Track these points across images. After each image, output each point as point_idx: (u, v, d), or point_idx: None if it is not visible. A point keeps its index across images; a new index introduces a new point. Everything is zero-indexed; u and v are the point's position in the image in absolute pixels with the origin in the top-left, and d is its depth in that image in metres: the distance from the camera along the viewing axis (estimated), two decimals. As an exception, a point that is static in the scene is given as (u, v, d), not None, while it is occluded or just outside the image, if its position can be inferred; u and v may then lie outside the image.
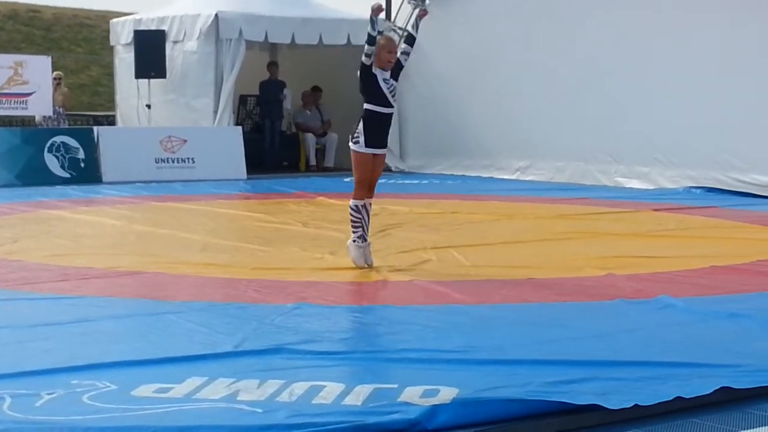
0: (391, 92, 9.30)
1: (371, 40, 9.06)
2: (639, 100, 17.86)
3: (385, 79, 9.27)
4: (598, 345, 6.47)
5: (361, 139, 9.34)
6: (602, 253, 10.35)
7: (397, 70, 9.36)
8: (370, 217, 9.65)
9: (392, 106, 9.39)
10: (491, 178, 19.82)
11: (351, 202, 9.52)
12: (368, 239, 9.58)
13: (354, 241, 9.46)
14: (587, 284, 8.70)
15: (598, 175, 18.51)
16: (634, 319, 7.33)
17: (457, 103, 20.97)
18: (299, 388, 5.40)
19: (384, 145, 9.52)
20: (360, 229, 9.41)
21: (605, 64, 18.42)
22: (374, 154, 9.45)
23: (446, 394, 5.24)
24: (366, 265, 9.38)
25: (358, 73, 9.29)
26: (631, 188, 17.60)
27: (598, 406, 5.11)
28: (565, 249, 10.81)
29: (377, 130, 9.35)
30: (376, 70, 9.22)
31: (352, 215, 9.45)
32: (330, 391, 5.36)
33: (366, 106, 9.33)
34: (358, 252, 9.41)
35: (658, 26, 17.78)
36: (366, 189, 9.47)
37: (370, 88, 9.26)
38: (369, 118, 9.33)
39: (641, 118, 17.80)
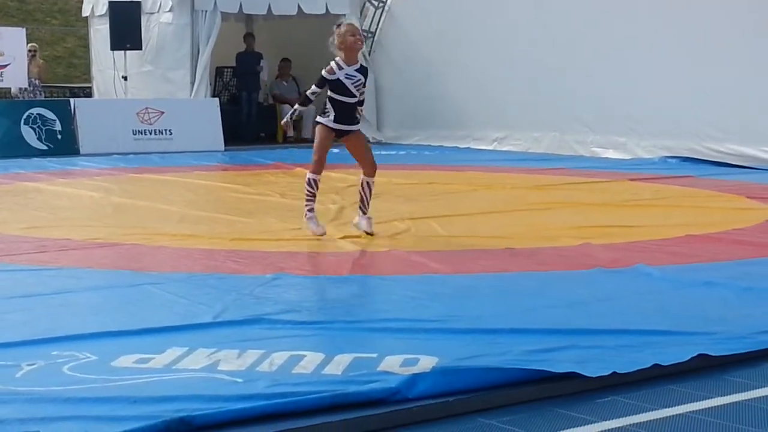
0: (356, 86, 9.41)
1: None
2: (615, 71, 17.90)
3: (348, 75, 9.38)
4: (576, 313, 6.51)
5: (332, 115, 9.46)
6: (579, 223, 10.40)
7: (366, 70, 9.59)
8: (372, 193, 9.78)
9: (356, 96, 9.49)
10: (468, 148, 19.85)
11: (307, 175, 9.65)
12: (367, 212, 9.69)
13: (310, 214, 9.58)
14: (564, 254, 8.74)
15: (575, 146, 18.56)
16: (610, 287, 7.37)
17: (434, 74, 20.97)
18: (279, 357, 5.42)
19: (353, 123, 9.60)
20: (311, 203, 9.56)
21: (582, 34, 18.44)
22: (344, 132, 9.59)
23: (426, 362, 5.27)
24: (324, 232, 9.52)
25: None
26: (607, 158, 17.66)
27: (576, 374, 5.15)
28: (542, 219, 10.85)
29: (343, 112, 9.48)
30: (337, 74, 9.34)
31: (306, 188, 9.60)
32: (310, 360, 5.38)
33: (329, 94, 9.47)
34: (312, 223, 9.55)
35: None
36: (322, 163, 9.58)
37: (336, 89, 9.40)
38: (333, 102, 9.48)
39: (617, 89, 17.84)
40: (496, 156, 18.42)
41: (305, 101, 9.65)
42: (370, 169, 9.73)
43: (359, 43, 9.43)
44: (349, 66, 9.38)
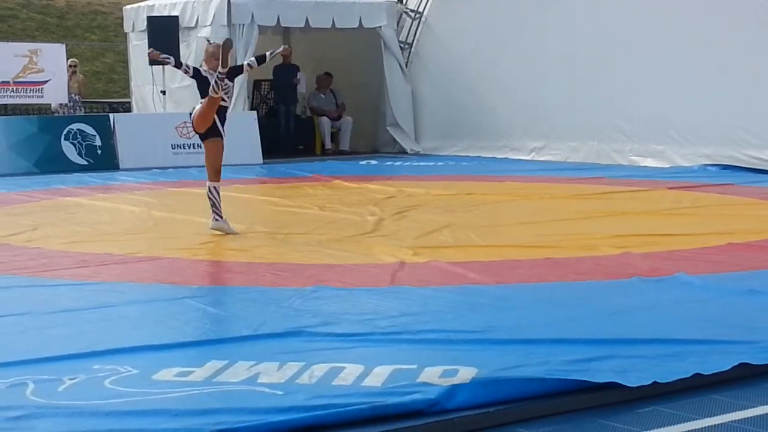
0: (223, 91, 10.36)
1: (261, 61, 10.94)
2: (653, 79, 17.81)
3: (217, 79, 10.27)
4: (616, 323, 6.49)
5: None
6: (618, 232, 10.35)
7: (235, 73, 10.71)
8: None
9: (224, 101, 10.54)
10: (506, 159, 19.80)
11: (207, 184, 10.69)
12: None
13: (215, 219, 10.59)
14: (604, 263, 8.71)
15: (613, 154, 18.47)
16: (651, 297, 7.34)
17: (471, 84, 20.94)
18: (319, 370, 5.44)
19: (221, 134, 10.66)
20: (216, 207, 10.61)
21: (619, 42, 18.36)
22: (216, 141, 10.64)
23: (465, 373, 5.27)
24: (234, 231, 10.55)
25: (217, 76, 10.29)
26: (646, 167, 17.56)
27: (617, 383, 5.13)
28: (581, 228, 10.81)
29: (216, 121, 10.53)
30: (206, 73, 10.45)
31: (208, 197, 10.68)
32: (349, 372, 5.40)
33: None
34: (221, 223, 10.58)
35: (670, 4, 17.72)
36: (218, 173, 10.73)
37: (201, 90, 10.48)
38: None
39: (656, 97, 17.75)
40: (534, 166, 18.36)
41: (179, 64, 10.77)
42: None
43: (215, 67, 10.33)
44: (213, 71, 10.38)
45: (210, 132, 10.64)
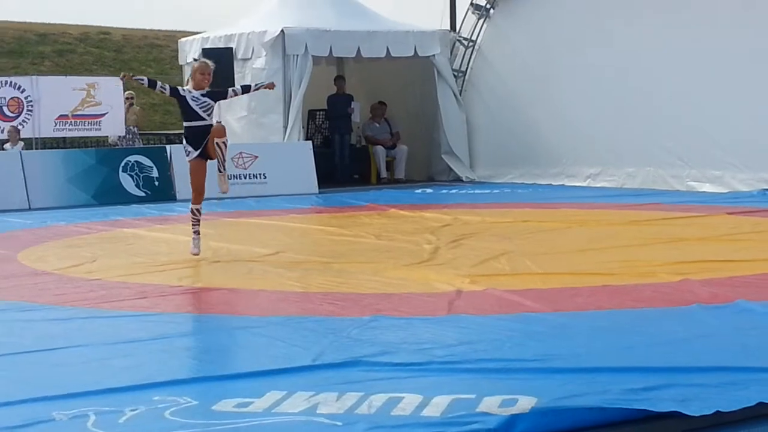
0: (203, 109, 10.75)
1: (245, 91, 11.66)
2: (710, 103, 17.69)
3: (194, 98, 10.72)
4: (677, 351, 6.43)
5: (190, 149, 10.90)
6: (677, 258, 10.26)
7: (218, 96, 11.14)
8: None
9: (205, 119, 10.83)
10: (562, 185, 19.72)
11: (191, 206, 11.27)
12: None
13: (194, 237, 11.13)
14: (663, 290, 8.63)
15: (670, 180, 18.34)
16: (711, 324, 7.26)
17: (525, 111, 20.91)
18: (378, 400, 5.43)
19: (205, 156, 11.00)
20: (197, 227, 11.17)
21: (674, 66, 18.27)
22: (201, 161, 11.00)
23: (525, 403, 5.24)
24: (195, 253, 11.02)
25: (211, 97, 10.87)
26: (704, 192, 17.42)
27: (679, 413, 5.08)
28: (639, 255, 10.72)
29: (196, 141, 10.82)
30: (184, 92, 10.79)
31: (191, 217, 11.23)
32: (408, 402, 5.38)
33: (184, 123, 10.91)
34: (194, 243, 11.10)
35: (727, 25, 17.61)
36: (200, 194, 11.21)
37: (182, 108, 10.84)
38: (186, 132, 10.91)
39: (713, 121, 17.62)
40: (590, 192, 18.28)
41: (152, 84, 10.99)
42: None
43: (205, 82, 10.78)
44: (196, 90, 10.75)
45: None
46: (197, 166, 11.07)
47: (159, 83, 11.01)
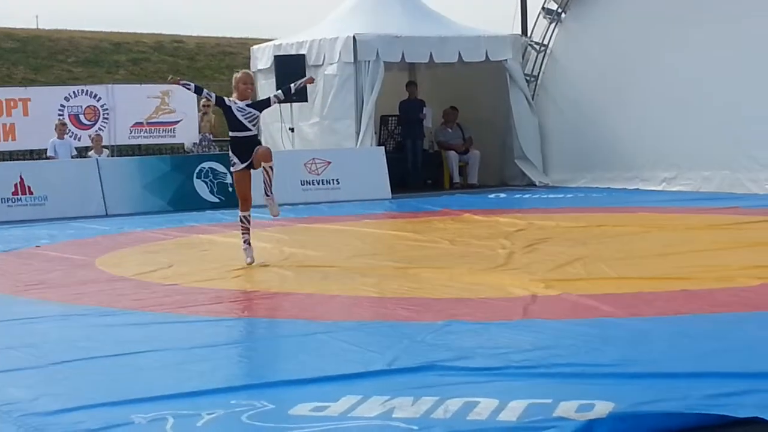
0: (248, 119, 10.90)
1: (286, 93, 11.67)
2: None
3: (240, 109, 10.87)
4: (757, 356, 6.34)
5: (236, 161, 11.01)
6: (756, 263, 10.11)
7: (262, 105, 11.22)
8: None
9: (251, 130, 10.98)
10: (636, 190, 19.55)
11: (239, 214, 11.30)
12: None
13: (244, 247, 11.19)
14: (742, 294, 8.52)
15: (748, 184, 18.08)
16: (793, 328, 7.16)
17: (598, 114, 20.77)
18: (453, 404, 5.42)
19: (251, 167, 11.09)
20: (246, 235, 11.21)
21: (750, 68, 18.03)
22: (246, 171, 11.06)
23: (602, 408, 5.20)
24: (250, 262, 11.04)
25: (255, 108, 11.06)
26: (782, 195, 17.17)
27: (761, 419, 5.00)
28: (717, 259, 10.59)
29: (243, 152, 10.93)
30: (230, 102, 10.88)
31: (240, 226, 11.30)
32: (484, 406, 5.36)
33: (230, 133, 11.04)
34: (246, 253, 11.12)
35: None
36: (247, 202, 11.26)
37: (228, 118, 10.96)
38: (232, 142, 11.06)
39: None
40: (665, 196, 18.09)
41: (198, 90, 11.24)
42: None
43: (249, 91, 11.04)
44: (241, 101, 10.91)
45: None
46: (242, 177, 11.17)
47: (205, 90, 11.22)
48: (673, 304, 8.23)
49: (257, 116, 11.05)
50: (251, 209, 11.36)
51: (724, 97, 18.40)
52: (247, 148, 10.97)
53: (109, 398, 5.76)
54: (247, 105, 10.93)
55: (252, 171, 11.13)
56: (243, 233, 11.26)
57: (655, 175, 19.69)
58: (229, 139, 11.19)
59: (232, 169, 11.27)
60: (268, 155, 11.02)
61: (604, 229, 13.56)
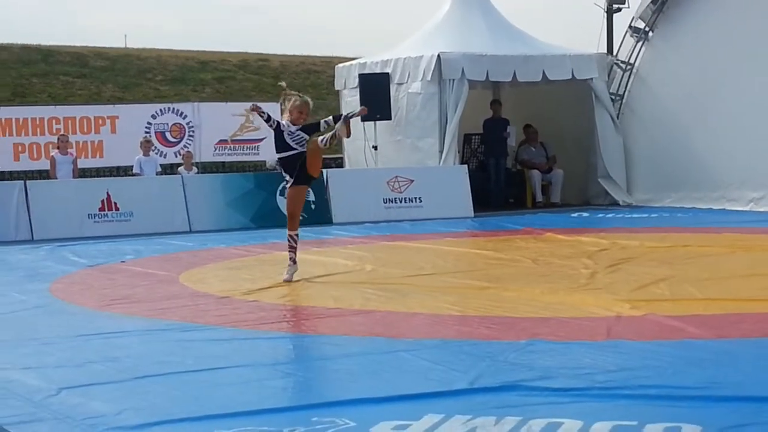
0: (295, 141, 11.26)
1: (337, 120, 11.42)
2: None
3: (290, 132, 11.25)
4: None
5: (287, 176, 11.48)
6: None
7: (311, 129, 11.40)
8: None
9: (296, 149, 11.29)
10: (723, 210, 19.27)
11: (287, 232, 11.58)
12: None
13: (289, 264, 11.43)
14: (832, 317, 8.35)
15: (837, 204, 17.76)
16: None
17: (684, 133, 20.53)
18: (537, 425, 5.37)
19: (302, 181, 11.52)
20: (293, 253, 11.48)
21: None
22: (299, 188, 11.54)
23: (689, 431, 5.11)
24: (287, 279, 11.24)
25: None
26: None
27: None
28: (806, 281, 10.40)
29: (290, 168, 11.37)
30: (283, 126, 11.26)
31: (288, 244, 11.55)
32: (568, 428, 5.31)
33: (276, 153, 11.52)
34: (288, 270, 11.35)
35: None
36: (294, 220, 11.63)
37: (276, 138, 11.40)
38: (280, 161, 11.52)
39: None
40: (753, 217, 17.80)
41: (268, 118, 11.35)
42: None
43: (302, 120, 11.28)
44: (293, 125, 11.27)
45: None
46: (295, 193, 11.58)
47: (272, 119, 11.37)
48: (761, 326, 8.10)
49: (305, 138, 11.33)
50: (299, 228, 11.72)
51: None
52: (293, 164, 11.37)
53: (190, 413, 5.80)
54: (298, 129, 11.28)
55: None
56: (290, 251, 11.53)
57: (743, 195, 19.41)
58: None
59: (286, 186, 11.62)
60: (315, 150, 11.38)
61: (689, 249, 13.38)
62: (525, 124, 22.25)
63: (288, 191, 11.64)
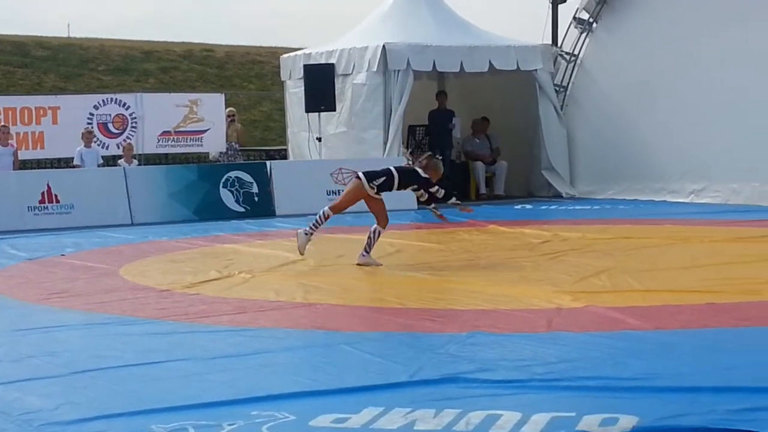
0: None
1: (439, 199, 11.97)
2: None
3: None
4: (784, 371, 6.27)
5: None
6: (783, 276, 10.04)
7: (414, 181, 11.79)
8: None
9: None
10: (664, 201, 19.44)
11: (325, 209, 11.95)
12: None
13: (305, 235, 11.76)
14: (768, 308, 8.46)
15: (777, 196, 17.96)
16: (820, 343, 7.08)
17: (627, 126, 20.68)
18: (476, 417, 5.38)
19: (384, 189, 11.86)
20: (314, 229, 11.86)
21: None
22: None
23: (626, 422, 5.16)
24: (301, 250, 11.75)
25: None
26: (812, 209, 17.03)
27: (786, 434, 4.95)
28: (743, 272, 10.51)
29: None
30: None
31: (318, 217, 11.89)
32: (507, 419, 5.33)
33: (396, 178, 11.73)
34: (302, 239, 11.72)
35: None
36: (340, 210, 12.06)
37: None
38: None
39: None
40: (693, 209, 17.98)
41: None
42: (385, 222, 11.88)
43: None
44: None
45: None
46: (370, 199, 11.81)
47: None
48: (699, 318, 8.18)
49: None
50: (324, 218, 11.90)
51: (753, 109, 18.30)
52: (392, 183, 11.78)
53: (129, 408, 5.76)
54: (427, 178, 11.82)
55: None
56: (314, 226, 11.81)
57: (683, 187, 19.59)
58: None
59: (372, 192, 11.76)
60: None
61: (631, 241, 13.49)
62: (480, 116, 22.27)
63: (370, 199, 11.80)
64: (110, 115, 23.09)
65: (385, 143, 20.25)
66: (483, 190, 21.72)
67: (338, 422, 5.39)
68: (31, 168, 21.96)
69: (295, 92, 22.38)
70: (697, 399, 5.63)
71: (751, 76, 18.43)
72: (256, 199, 18.65)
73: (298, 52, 23.12)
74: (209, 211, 18.17)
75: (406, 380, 6.27)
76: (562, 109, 21.75)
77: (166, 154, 24.60)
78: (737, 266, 10.97)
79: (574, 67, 21.91)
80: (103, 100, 23.42)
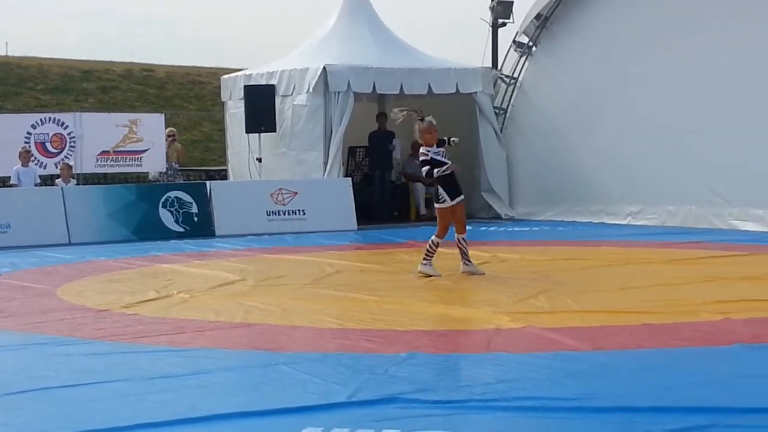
0: (444, 156, 12.22)
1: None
2: (753, 142, 17.56)
3: (437, 153, 12.17)
4: (718, 391, 6.34)
5: (446, 197, 12.24)
6: (718, 297, 10.16)
7: (441, 142, 12.32)
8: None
9: (448, 162, 12.18)
10: (602, 223, 19.61)
11: (434, 238, 12.31)
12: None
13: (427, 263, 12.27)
14: (704, 329, 8.54)
15: (712, 218, 18.19)
16: (753, 364, 7.18)
17: (566, 148, 20.86)
18: (415, 437, 5.39)
19: (460, 190, 12.41)
20: (430, 257, 12.26)
21: (715, 105, 18.18)
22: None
23: (563, 442, 5.18)
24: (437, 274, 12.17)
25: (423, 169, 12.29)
26: (746, 231, 17.26)
27: (720, 453, 5.00)
28: (679, 293, 10.63)
29: (452, 185, 12.27)
30: (435, 157, 12.10)
31: (429, 247, 12.33)
32: (445, 440, 5.33)
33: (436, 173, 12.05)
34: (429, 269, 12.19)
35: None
36: (446, 231, 12.30)
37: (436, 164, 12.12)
38: (442, 182, 12.20)
39: (755, 160, 17.49)
40: (630, 231, 18.15)
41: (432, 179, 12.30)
42: (463, 228, 12.38)
43: (435, 139, 12.26)
44: (431, 147, 12.14)
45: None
46: (454, 209, 12.29)
47: (435, 171, 12.07)
48: (636, 338, 8.25)
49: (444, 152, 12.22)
50: None
51: (688, 134, 18.54)
52: (453, 179, 12.25)
53: (64, 429, 5.71)
54: (438, 146, 12.23)
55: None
56: (428, 255, 12.23)
57: (621, 210, 19.79)
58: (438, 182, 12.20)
59: (440, 205, 12.34)
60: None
61: (569, 262, 13.59)
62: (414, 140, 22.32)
63: (455, 207, 12.25)
64: (48, 134, 22.87)
65: (326, 164, 20.25)
66: (423, 211, 21.76)
67: (277, 443, 5.38)
68: (-33, 187, 21.68)
69: (235, 113, 22.33)
70: (634, 419, 5.67)
71: (684, 103, 18.67)
72: (195, 219, 18.58)
73: (239, 73, 23.10)
74: (148, 231, 18.06)
75: (345, 400, 6.27)
76: (501, 132, 21.90)
77: (105, 173, 24.42)
78: (673, 287, 11.09)
79: (513, 90, 22.08)
80: (41, 119, 23.19)
